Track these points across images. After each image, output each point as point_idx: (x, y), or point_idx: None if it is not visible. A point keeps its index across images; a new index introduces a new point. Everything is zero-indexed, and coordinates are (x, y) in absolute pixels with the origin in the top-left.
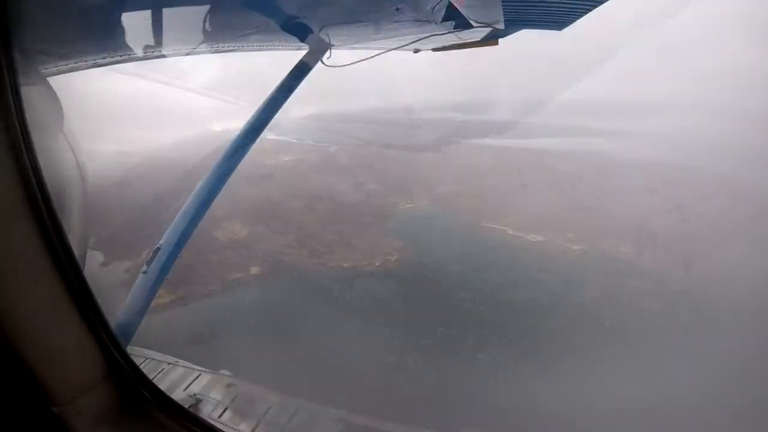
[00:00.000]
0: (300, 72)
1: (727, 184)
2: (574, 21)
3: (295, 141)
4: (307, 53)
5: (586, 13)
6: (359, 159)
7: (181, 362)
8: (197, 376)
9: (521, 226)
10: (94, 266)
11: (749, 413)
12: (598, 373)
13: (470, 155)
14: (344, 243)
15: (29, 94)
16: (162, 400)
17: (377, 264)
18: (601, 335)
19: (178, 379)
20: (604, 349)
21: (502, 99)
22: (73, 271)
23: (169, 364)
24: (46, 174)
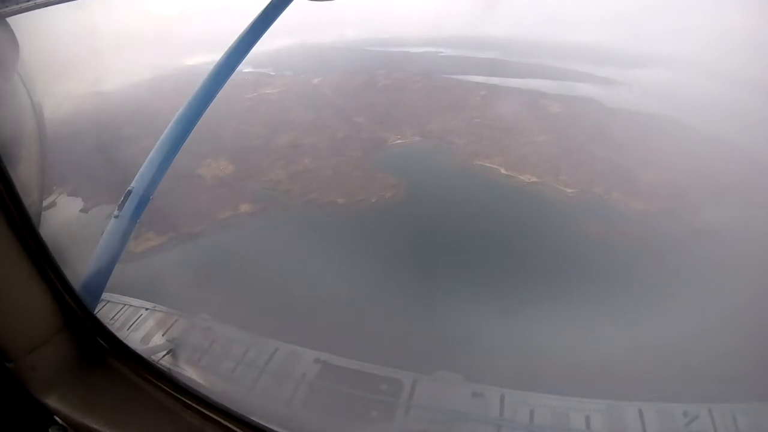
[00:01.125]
0: (279, 3)
1: (712, 140)
2: None
3: (273, 73)
4: None
5: None
6: (344, 91)
7: (159, 307)
8: (175, 321)
9: (515, 166)
10: (74, 212)
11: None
12: (583, 315)
13: (459, 91)
14: (336, 178)
15: None
16: (119, 348)
17: (372, 200)
18: (591, 278)
19: (156, 324)
20: (592, 291)
21: (490, 37)
22: (22, 219)
23: (147, 309)
24: None
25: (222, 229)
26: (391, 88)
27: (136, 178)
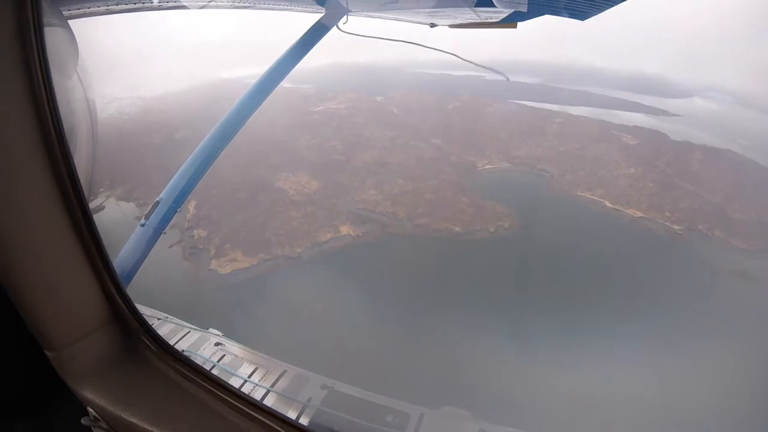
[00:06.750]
0: (316, 34)
1: None
2: (599, 13)
3: (309, 87)
4: (324, 16)
5: (611, 6)
6: (413, 111)
7: (171, 318)
8: (186, 333)
9: (618, 200)
10: (120, 217)
11: None
12: (693, 355)
13: (533, 118)
14: (442, 203)
15: (50, 33)
16: (164, 348)
17: (491, 230)
18: (707, 319)
19: (167, 335)
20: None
21: (526, 61)
22: (82, 210)
23: (159, 319)
24: (61, 112)
25: (327, 254)
26: (462, 110)
27: (165, 190)
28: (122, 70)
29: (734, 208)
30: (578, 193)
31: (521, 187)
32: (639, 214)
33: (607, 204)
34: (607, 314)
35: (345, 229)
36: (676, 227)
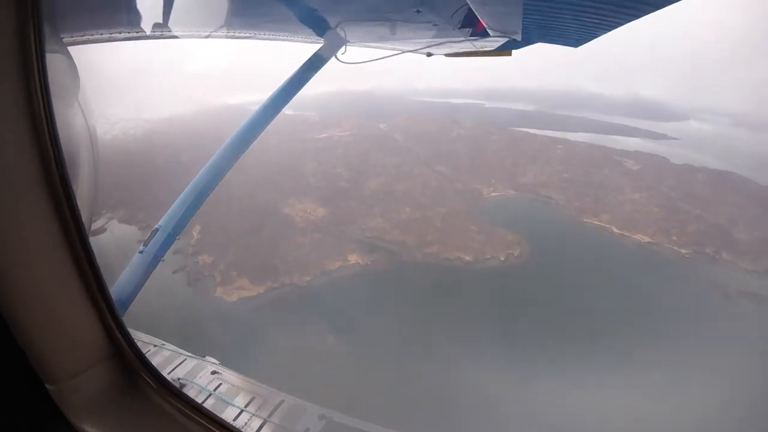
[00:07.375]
0: (315, 64)
1: None
2: (591, 40)
3: (313, 113)
4: (323, 47)
5: (603, 33)
6: (416, 138)
7: (168, 345)
8: (183, 361)
9: (625, 226)
10: (122, 239)
11: None
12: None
13: (536, 144)
14: (451, 231)
15: (51, 61)
16: (162, 384)
17: (502, 258)
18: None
19: (163, 362)
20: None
21: (520, 89)
22: (81, 242)
23: (155, 346)
24: (61, 140)
25: (336, 284)
26: (464, 137)
27: (164, 216)
28: (128, 91)
29: (739, 230)
30: (585, 220)
31: (528, 214)
32: (646, 239)
33: (615, 230)
34: (620, 341)
35: (354, 258)
36: (684, 251)
